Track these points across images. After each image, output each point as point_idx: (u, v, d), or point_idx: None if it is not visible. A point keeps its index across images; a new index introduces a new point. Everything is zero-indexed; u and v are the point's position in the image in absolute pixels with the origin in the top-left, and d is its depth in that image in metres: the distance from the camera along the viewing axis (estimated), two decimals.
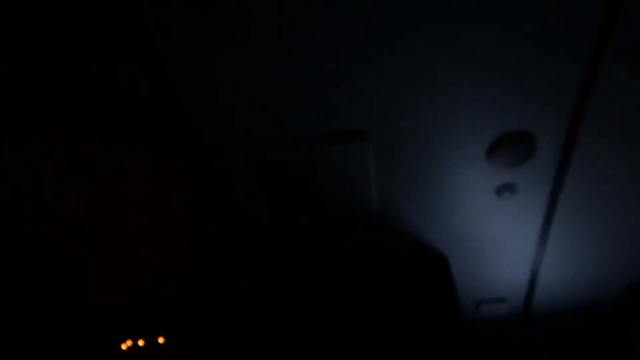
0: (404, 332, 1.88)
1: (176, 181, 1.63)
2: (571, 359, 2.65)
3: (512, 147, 1.54)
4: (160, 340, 2.04)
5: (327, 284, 2.08)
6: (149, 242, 1.89)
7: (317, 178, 1.63)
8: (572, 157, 1.60)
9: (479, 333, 2.74)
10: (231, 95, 1.38)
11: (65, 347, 2.13)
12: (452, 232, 1.92)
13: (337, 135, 1.51)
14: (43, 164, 1.54)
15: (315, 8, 1.18)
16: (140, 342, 2.05)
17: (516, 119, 1.48)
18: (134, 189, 1.65)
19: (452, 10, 1.19)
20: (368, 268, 2.10)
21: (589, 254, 2.08)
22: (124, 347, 2.06)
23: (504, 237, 1.95)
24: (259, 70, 1.31)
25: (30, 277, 2.02)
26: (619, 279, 2.28)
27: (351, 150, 1.53)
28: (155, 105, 1.39)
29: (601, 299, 2.44)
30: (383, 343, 1.87)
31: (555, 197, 1.76)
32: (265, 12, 1.18)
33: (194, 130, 1.47)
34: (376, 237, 1.95)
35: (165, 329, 2.08)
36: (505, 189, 1.70)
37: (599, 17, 1.21)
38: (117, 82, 1.33)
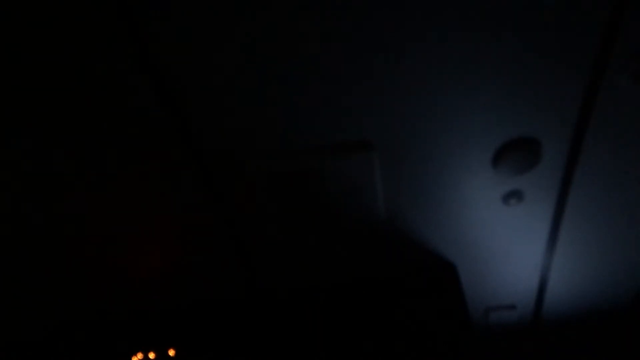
0: (413, 341, 1.87)
1: (184, 194, 1.65)
2: None
3: (517, 153, 1.54)
4: (171, 352, 2.05)
5: (336, 294, 2.08)
6: (158, 255, 1.90)
7: (324, 188, 1.64)
8: (578, 162, 1.60)
9: (489, 340, 2.72)
10: (237, 107, 1.39)
11: None
12: (460, 239, 1.92)
13: (343, 145, 1.52)
14: (52, 179, 1.56)
15: (321, 18, 1.19)
16: (151, 355, 2.06)
17: (521, 126, 1.48)
18: (142, 203, 1.66)
19: (457, 20, 1.20)
20: (376, 277, 2.10)
21: (598, 259, 2.07)
22: (134, 359, 2.07)
23: (512, 244, 1.95)
24: (265, 81, 1.33)
25: (40, 292, 2.03)
26: (629, 284, 2.27)
27: (357, 160, 1.54)
28: (161, 117, 1.41)
29: (612, 304, 2.42)
30: (392, 351, 1.86)
31: (563, 203, 1.76)
32: (271, 22, 1.20)
33: (201, 142, 1.49)
34: (384, 246, 1.95)
35: (176, 341, 2.08)
36: (512, 196, 1.70)
37: (603, 24, 1.22)
38: (121, 95, 1.35)
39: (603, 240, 1.94)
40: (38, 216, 1.68)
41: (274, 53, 1.26)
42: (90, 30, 1.18)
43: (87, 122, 1.40)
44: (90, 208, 1.67)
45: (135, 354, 2.07)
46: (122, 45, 1.22)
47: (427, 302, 1.97)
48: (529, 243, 1.95)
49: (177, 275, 2.01)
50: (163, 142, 1.47)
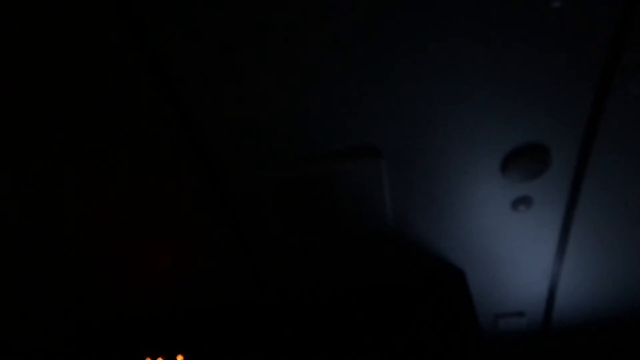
0: (422, 348, 1.86)
1: (193, 200, 1.66)
2: None
3: (526, 159, 1.54)
4: (179, 358, 2.05)
5: (345, 301, 2.08)
6: (167, 261, 1.91)
7: (332, 194, 1.65)
8: (587, 168, 1.60)
9: (498, 348, 2.70)
10: (246, 114, 1.41)
11: None
12: (469, 246, 1.91)
13: (351, 151, 1.53)
14: (63, 188, 1.58)
15: (330, 25, 1.20)
16: None
17: (530, 132, 1.48)
18: (151, 210, 1.68)
19: (466, 28, 1.21)
20: (385, 284, 2.10)
21: (607, 265, 2.05)
22: None
23: (521, 250, 1.94)
24: (273, 88, 1.34)
25: (50, 296, 2.04)
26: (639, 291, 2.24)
27: (365, 166, 1.55)
28: (172, 126, 1.42)
29: (622, 312, 2.40)
30: (401, 358, 1.85)
31: (572, 209, 1.75)
32: (280, 30, 1.21)
33: (210, 149, 1.50)
34: (392, 252, 1.94)
35: (184, 347, 2.08)
36: (521, 202, 1.70)
37: (612, 30, 1.22)
38: (131, 100, 1.36)
39: (613, 246, 1.92)
40: (44, 220, 1.70)
41: (282, 58, 1.27)
42: (94, 33, 1.20)
43: (98, 130, 1.41)
44: (99, 213, 1.68)
45: (143, 359, 2.08)
46: (131, 53, 1.24)
47: (435, 309, 1.96)
48: (538, 249, 1.94)
49: (185, 281, 2.02)
50: (174, 152, 1.49)
